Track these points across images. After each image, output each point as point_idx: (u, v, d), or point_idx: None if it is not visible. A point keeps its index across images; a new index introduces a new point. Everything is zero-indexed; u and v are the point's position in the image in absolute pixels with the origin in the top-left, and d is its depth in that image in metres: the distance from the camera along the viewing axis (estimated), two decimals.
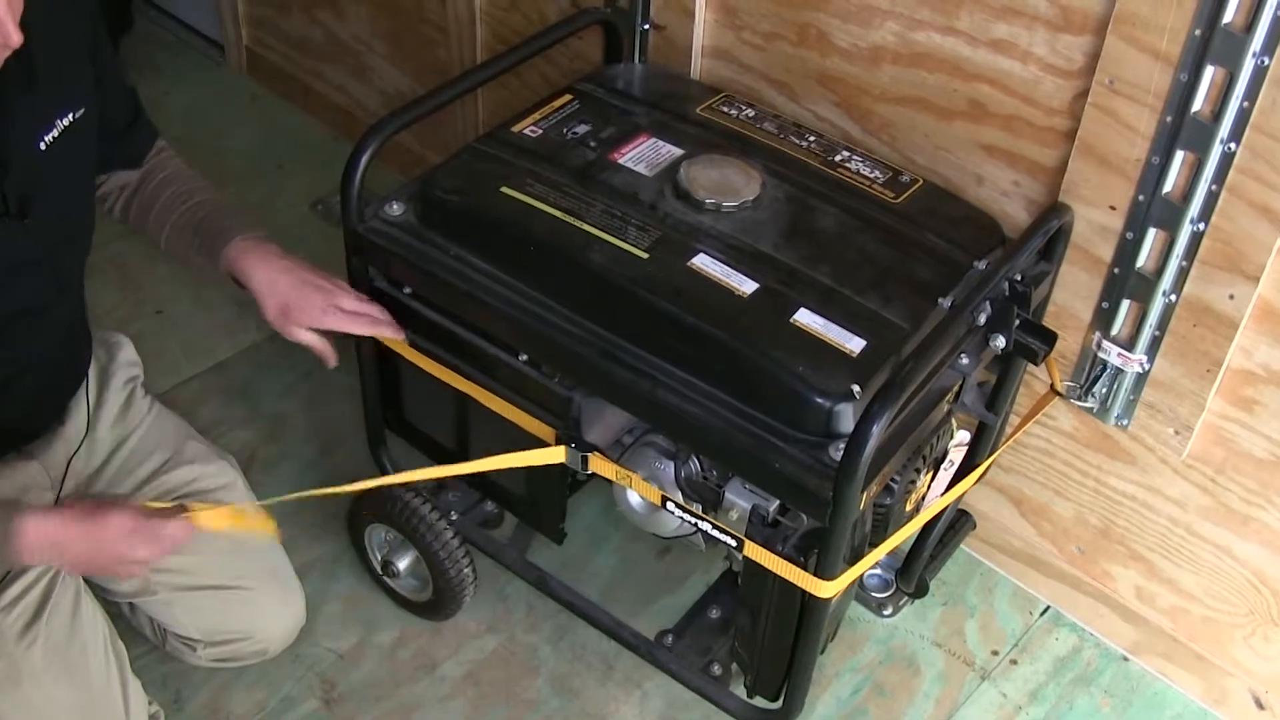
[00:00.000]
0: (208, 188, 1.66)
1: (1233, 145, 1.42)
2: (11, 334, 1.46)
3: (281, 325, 1.56)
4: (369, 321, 1.57)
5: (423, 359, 1.62)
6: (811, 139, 1.69)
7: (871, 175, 1.63)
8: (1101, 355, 1.67)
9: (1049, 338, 1.45)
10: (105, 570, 1.49)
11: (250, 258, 1.56)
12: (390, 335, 1.60)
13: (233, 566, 1.70)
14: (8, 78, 1.29)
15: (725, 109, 1.74)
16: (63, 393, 1.61)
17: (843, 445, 1.29)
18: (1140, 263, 1.57)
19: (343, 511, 1.93)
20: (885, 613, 1.93)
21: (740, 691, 1.67)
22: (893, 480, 1.46)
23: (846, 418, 1.34)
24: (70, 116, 1.43)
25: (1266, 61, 1.35)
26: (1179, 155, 1.47)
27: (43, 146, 1.40)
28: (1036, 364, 1.49)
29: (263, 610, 1.73)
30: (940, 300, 1.46)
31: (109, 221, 1.67)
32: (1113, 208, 1.56)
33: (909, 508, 1.54)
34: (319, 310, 1.54)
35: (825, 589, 1.38)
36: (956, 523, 1.86)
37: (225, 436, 2.15)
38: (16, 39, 1.23)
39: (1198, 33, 1.38)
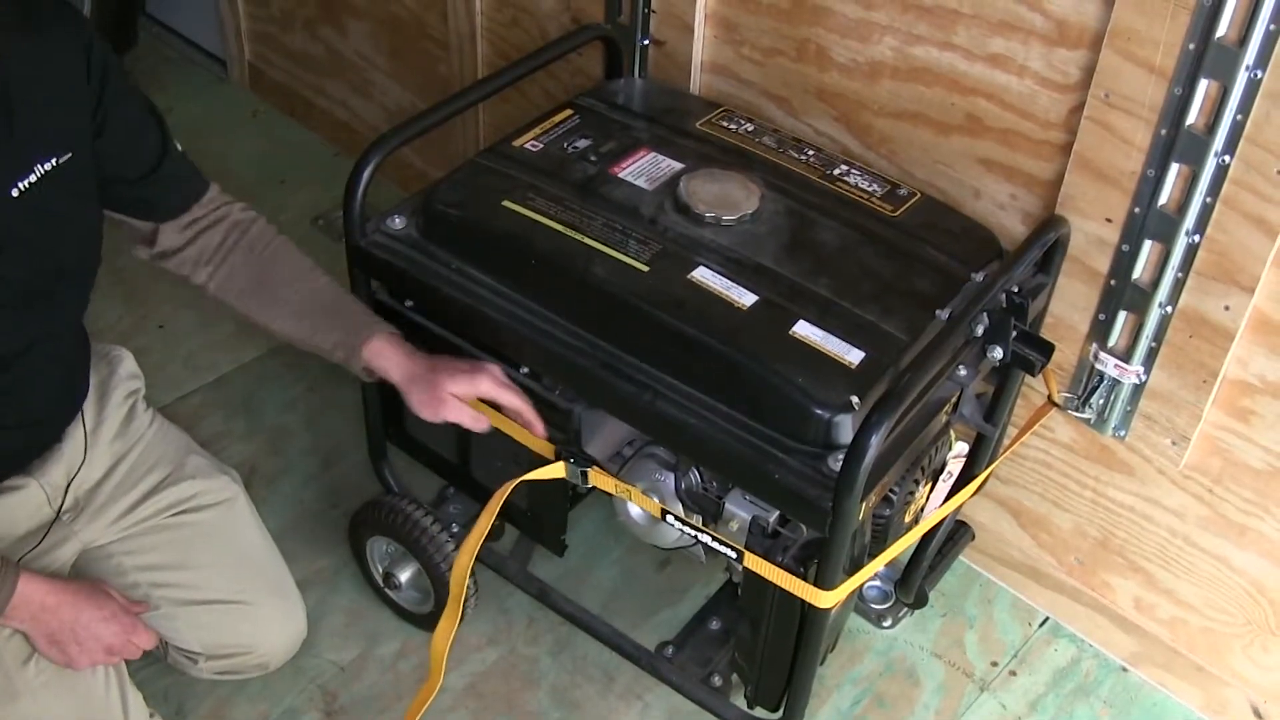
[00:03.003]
0: (321, 270, 1.62)
1: (1227, 158, 1.43)
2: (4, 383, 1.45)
3: (434, 407, 1.52)
4: (520, 397, 1.54)
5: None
6: (810, 153, 1.70)
7: (870, 189, 1.64)
8: (1098, 366, 1.68)
9: (1046, 349, 1.46)
10: (80, 648, 1.48)
11: (396, 354, 1.55)
12: (533, 426, 1.55)
13: (235, 581, 1.70)
14: None
15: (725, 123, 1.75)
16: (57, 420, 1.60)
17: (842, 456, 1.30)
18: (1136, 274, 1.58)
19: (344, 524, 1.94)
20: (885, 624, 1.94)
21: (741, 703, 1.67)
22: (892, 491, 1.47)
23: (845, 429, 1.35)
24: (53, 162, 1.39)
25: (1259, 75, 1.37)
26: (1174, 168, 1.48)
27: (16, 193, 1.36)
28: (1034, 375, 1.50)
29: (264, 624, 1.72)
30: (938, 312, 1.47)
31: (202, 294, 1.62)
32: (1109, 220, 1.57)
33: (908, 519, 1.54)
34: (466, 377, 1.52)
35: (825, 599, 1.39)
36: (955, 534, 1.87)
37: (226, 450, 2.15)
38: None
39: (1191, 47, 1.39)
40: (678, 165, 1.64)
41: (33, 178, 1.38)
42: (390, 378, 1.56)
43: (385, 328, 1.58)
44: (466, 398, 1.53)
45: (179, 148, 1.58)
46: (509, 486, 1.54)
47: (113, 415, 1.68)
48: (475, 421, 1.54)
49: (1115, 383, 1.68)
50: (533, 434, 1.54)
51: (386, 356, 1.55)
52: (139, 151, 1.53)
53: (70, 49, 1.42)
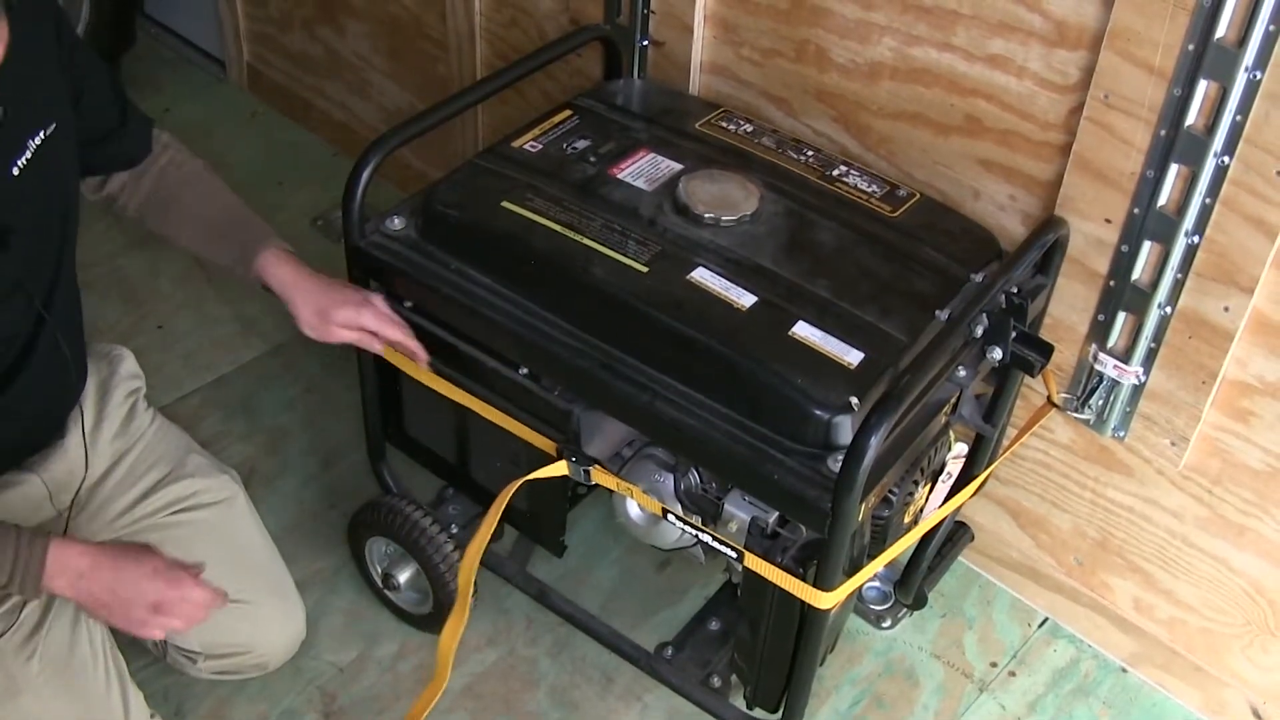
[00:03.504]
0: (228, 190, 1.67)
1: (1226, 158, 1.43)
2: (3, 367, 1.46)
3: (320, 329, 1.58)
4: (403, 330, 1.60)
5: (423, 373, 1.63)
6: (809, 154, 1.70)
7: (869, 189, 1.64)
8: (1098, 367, 1.68)
9: (1046, 350, 1.46)
10: (126, 609, 1.43)
11: (284, 268, 1.59)
12: (417, 354, 1.61)
13: (234, 580, 1.70)
14: None
15: (724, 124, 1.75)
16: (59, 410, 1.60)
17: (841, 457, 1.30)
18: (1136, 275, 1.58)
19: (343, 525, 1.94)
20: (884, 625, 1.94)
21: (740, 703, 1.67)
22: (891, 492, 1.47)
23: (845, 430, 1.35)
24: (40, 135, 1.41)
25: (1259, 76, 1.37)
26: (1173, 169, 1.48)
27: (15, 172, 1.39)
28: (1033, 376, 1.50)
29: (264, 624, 1.73)
30: (937, 313, 1.47)
31: (123, 221, 1.68)
32: (1108, 221, 1.57)
33: (907, 519, 1.54)
34: (354, 307, 1.57)
35: (824, 600, 1.39)
36: (954, 534, 1.87)
37: (225, 451, 2.15)
38: None
39: (1191, 48, 1.39)
40: (677, 166, 1.64)
41: (28, 154, 1.40)
42: (279, 293, 1.59)
43: (278, 242, 1.61)
44: (351, 326, 1.58)
45: (127, 94, 1.63)
46: (514, 486, 1.54)
47: (113, 414, 1.68)
48: (362, 341, 1.60)
49: (1114, 383, 1.68)
50: (416, 362, 1.61)
51: (275, 271, 1.59)
52: (108, 111, 1.57)
53: (43, 21, 1.44)
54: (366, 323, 1.57)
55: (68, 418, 1.62)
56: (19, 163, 1.39)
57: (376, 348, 1.61)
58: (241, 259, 1.60)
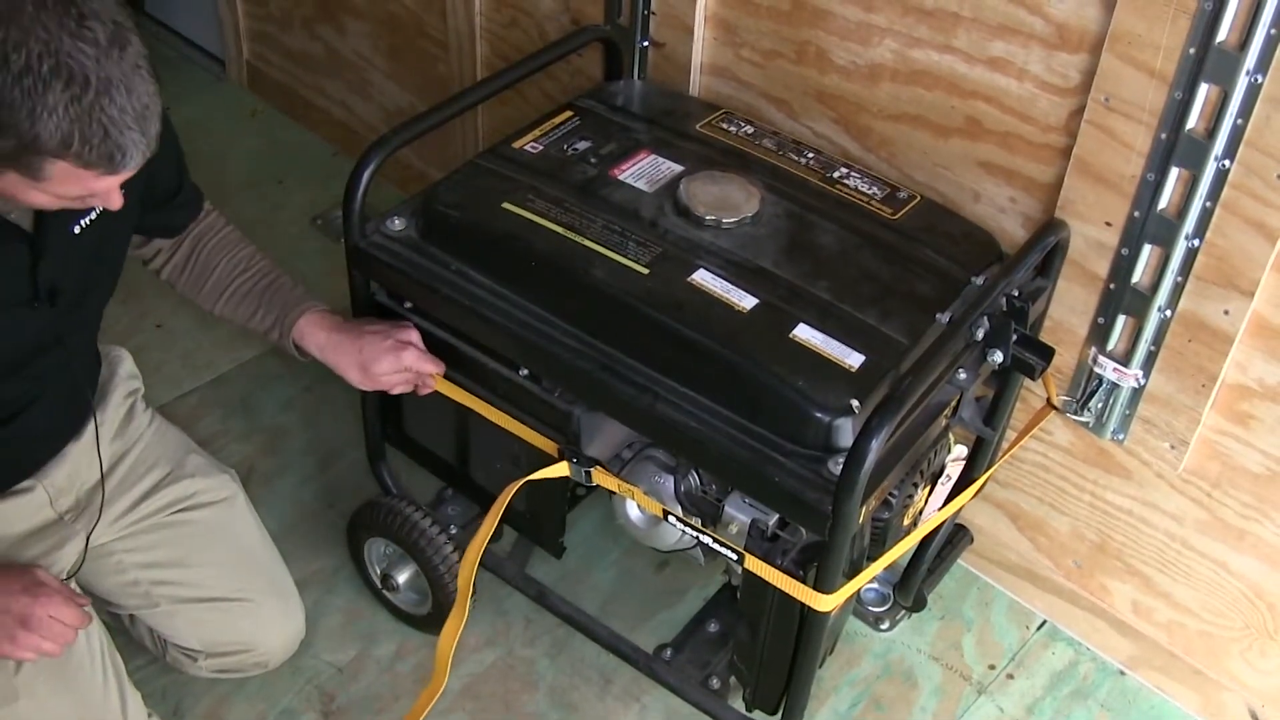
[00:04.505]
0: (261, 256, 1.68)
1: (1227, 162, 1.44)
2: (18, 405, 1.48)
3: (369, 384, 1.60)
4: (434, 361, 1.60)
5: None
6: (810, 156, 1.70)
7: (870, 192, 1.64)
8: (1098, 370, 1.68)
9: (1046, 353, 1.46)
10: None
11: (318, 333, 1.60)
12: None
13: (234, 578, 1.71)
14: None
15: (725, 126, 1.75)
16: (66, 436, 1.61)
17: (842, 459, 1.30)
18: (1136, 278, 1.58)
19: (342, 525, 1.94)
20: (883, 626, 1.94)
21: (739, 705, 1.67)
22: (891, 494, 1.47)
23: (845, 432, 1.35)
24: None
25: (1260, 79, 1.37)
26: (1174, 172, 1.48)
27: (77, 231, 1.41)
28: (1034, 379, 1.50)
29: (263, 622, 1.73)
30: (938, 315, 1.47)
31: (153, 280, 1.71)
32: (1108, 224, 1.57)
33: (907, 522, 1.54)
34: (391, 354, 1.57)
35: (824, 602, 1.39)
36: (954, 537, 1.87)
37: (224, 450, 2.15)
38: (118, 204, 1.27)
39: (1192, 51, 1.39)
40: (678, 167, 1.64)
41: (92, 215, 1.42)
42: (321, 360, 1.61)
43: (311, 306, 1.62)
44: (396, 372, 1.59)
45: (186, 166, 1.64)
46: (514, 486, 1.54)
47: (112, 415, 1.68)
48: (412, 384, 1.62)
49: (1114, 386, 1.68)
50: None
51: (312, 339, 1.60)
52: (170, 181, 1.59)
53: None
54: (409, 364, 1.58)
55: (73, 437, 1.62)
56: (83, 222, 1.41)
57: (429, 387, 1.62)
58: (277, 328, 1.62)
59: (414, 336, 1.60)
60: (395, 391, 1.62)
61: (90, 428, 1.63)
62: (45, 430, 1.56)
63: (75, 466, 1.60)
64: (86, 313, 1.53)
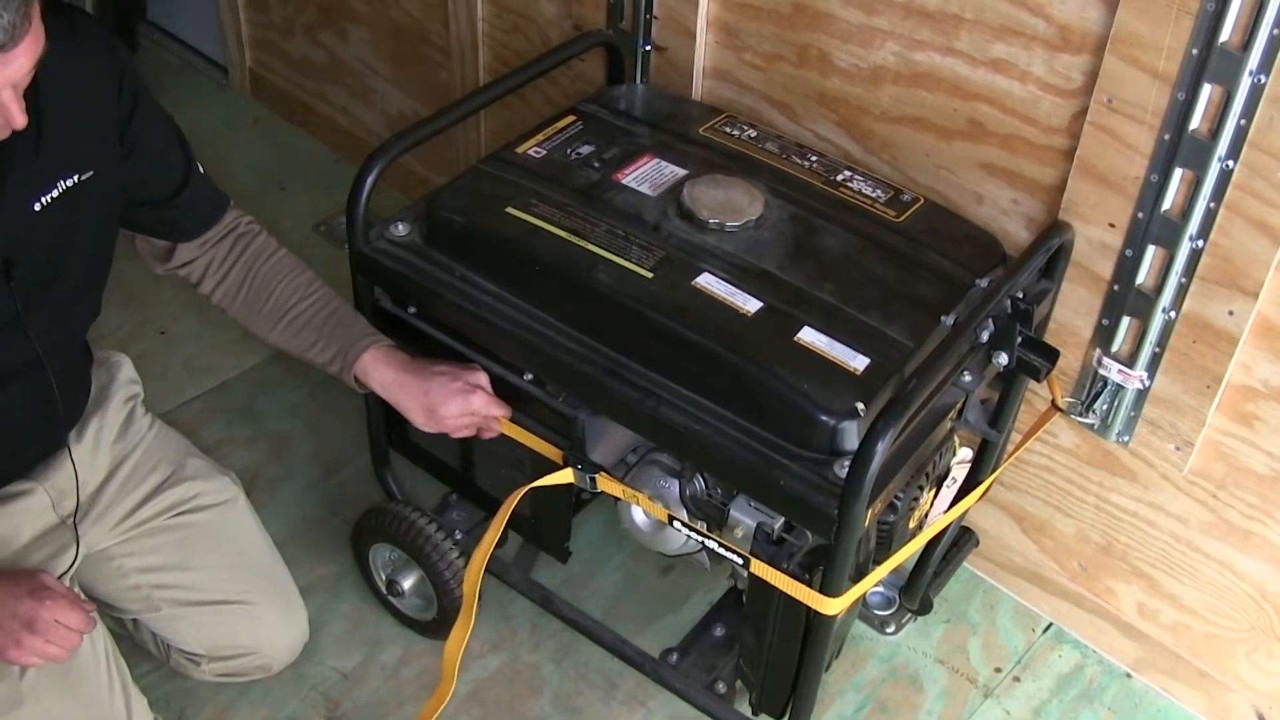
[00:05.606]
0: (319, 282, 1.64)
1: (1230, 163, 1.43)
2: None
3: (435, 426, 1.57)
4: (501, 405, 1.58)
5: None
6: (813, 159, 1.70)
7: (873, 194, 1.64)
8: (1102, 372, 1.68)
9: (1051, 355, 1.46)
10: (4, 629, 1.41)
11: (384, 371, 1.57)
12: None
13: (237, 582, 1.71)
14: (11, 140, 1.28)
15: (727, 129, 1.75)
16: (54, 439, 1.59)
17: (847, 463, 1.30)
18: (1140, 280, 1.58)
19: (347, 530, 1.94)
20: (888, 630, 1.93)
21: (745, 709, 1.67)
22: (896, 498, 1.47)
23: (851, 435, 1.35)
24: (74, 179, 1.41)
25: (1263, 80, 1.37)
26: (1177, 173, 1.48)
27: (37, 207, 1.39)
28: (1039, 381, 1.50)
29: (267, 626, 1.73)
30: (943, 318, 1.47)
31: (156, 286, 1.67)
32: (1112, 225, 1.57)
33: (912, 525, 1.54)
34: (459, 398, 1.55)
35: (830, 606, 1.39)
36: (959, 540, 1.87)
37: (228, 457, 2.15)
38: (20, 121, 1.24)
39: (1195, 52, 1.39)
40: (681, 171, 1.64)
41: (54, 193, 1.40)
42: (385, 398, 1.59)
43: (375, 341, 1.59)
44: (464, 415, 1.56)
45: (201, 170, 1.61)
46: (520, 492, 1.54)
47: (113, 420, 1.68)
48: (480, 427, 1.59)
49: (1119, 388, 1.68)
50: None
51: (377, 377, 1.58)
52: (164, 176, 1.56)
53: (104, 73, 1.44)
54: (478, 409, 1.56)
55: (66, 436, 1.61)
56: (43, 199, 1.39)
57: (494, 431, 1.59)
58: (338, 361, 1.59)
59: (483, 380, 1.57)
60: (458, 435, 1.59)
61: (92, 430, 1.64)
62: (11, 422, 1.52)
63: (78, 469, 1.60)
64: (59, 298, 1.48)
